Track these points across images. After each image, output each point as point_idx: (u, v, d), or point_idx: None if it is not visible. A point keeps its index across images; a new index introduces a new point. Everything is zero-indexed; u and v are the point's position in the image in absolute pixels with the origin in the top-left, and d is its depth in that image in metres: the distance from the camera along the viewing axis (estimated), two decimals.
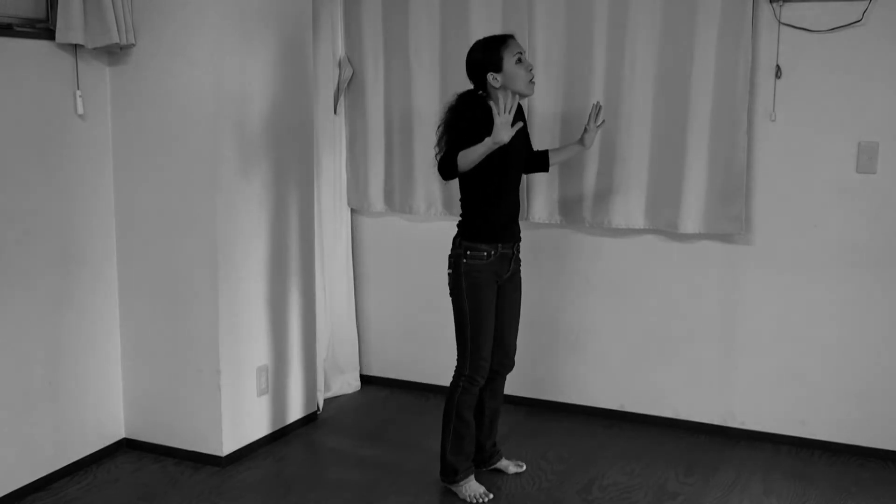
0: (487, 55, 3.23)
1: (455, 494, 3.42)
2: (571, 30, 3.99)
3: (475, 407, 3.48)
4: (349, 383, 4.61)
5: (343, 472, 3.66)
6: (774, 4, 3.69)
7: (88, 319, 3.65)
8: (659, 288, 4.08)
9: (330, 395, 4.50)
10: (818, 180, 3.75)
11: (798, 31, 3.68)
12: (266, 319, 3.88)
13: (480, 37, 4.06)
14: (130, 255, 3.74)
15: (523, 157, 3.43)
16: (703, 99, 3.79)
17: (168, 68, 3.54)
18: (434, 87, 4.27)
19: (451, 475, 3.42)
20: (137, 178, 3.68)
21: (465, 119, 3.21)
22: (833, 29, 3.63)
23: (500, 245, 3.32)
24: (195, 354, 3.67)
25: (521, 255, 3.47)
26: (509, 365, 3.55)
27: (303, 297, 4.10)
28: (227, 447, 3.71)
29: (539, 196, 4.16)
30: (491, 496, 3.40)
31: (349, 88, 4.47)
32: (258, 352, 3.85)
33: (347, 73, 4.42)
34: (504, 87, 3.21)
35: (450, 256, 3.35)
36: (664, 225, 3.96)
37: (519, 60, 3.21)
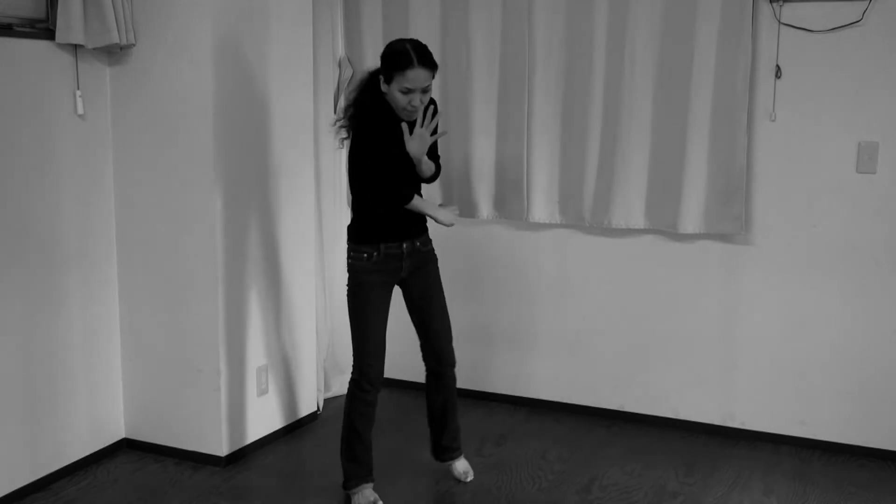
0: (386, 64, 3.08)
1: (455, 493, 3.42)
2: (571, 30, 3.99)
3: (427, 404, 3.52)
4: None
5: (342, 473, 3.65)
6: (774, 4, 3.69)
7: (88, 319, 3.65)
8: (659, 288, 4.08)
9: (330, 395, 4.51)
10: (818, 180, 3.75)
11: (798, 31, 3.68)
12: (266, 319, 3.88)
13: (480, 37, 4.13)
14: (130, 255, 3.74)
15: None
16: (703, 99, 3.79)
17: (168, 68, 3.54)
18: (433, 86, 4.26)
19: (345, 482, 3.37)
20: (137, 178, 3.68)
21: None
22: (833, 29, 3.63)
23: (382, 245, 3.22)
24: (195, 354, 3.67)
25: (431, 250, 3.36)
26: (446, 362, 3.43)
27: (303, 297, 4.10)
28: (227, 447, 3.71)
29: (539, 196, 4.16)
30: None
31: (349, 88, 4.47)
32: (258, 352, 3.85)
33: (347, 73, 4.42)
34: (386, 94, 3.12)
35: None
36: (664, 225, 3.96)
37: (404, 93, 3.05)
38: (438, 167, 3.35)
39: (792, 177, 3.79)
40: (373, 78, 3.20)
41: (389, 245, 3.22)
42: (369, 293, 3.24)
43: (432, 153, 3.28)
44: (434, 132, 3.20)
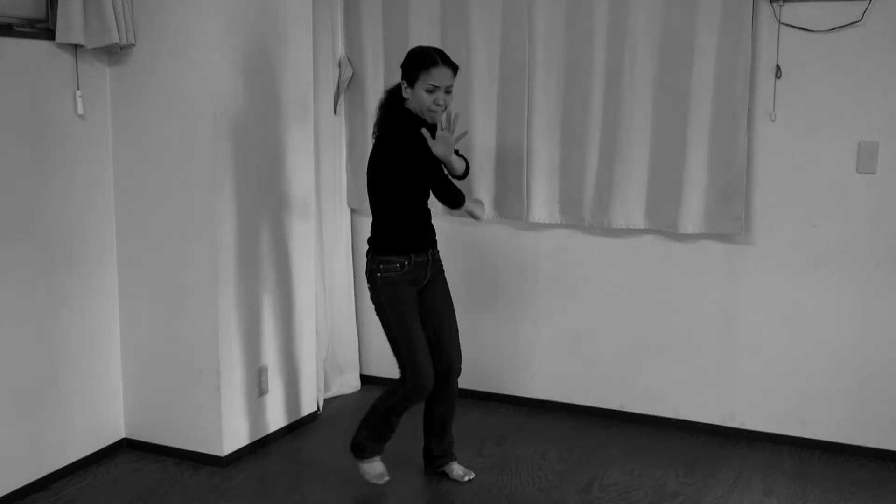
0: (410, 66, 3.21)
1: (455, 493, 3.42)
2: (571, 30, 3.99)
3: (425, 412, 3.53)
4: (349, 383, 4.61)
5: (343, 473, 3.65)
6: (774, 4, 3.69)
7: (88, 319, 3.65)
8: (659, 288, 4.08)
9: (330, 395, 4.51)
10: (818, 180, 3.75)
11: (798, 31, 3.68)
12: (266, 319, 3.88)
13: (480, 37, 4.13)
14: (130, 255, 3.74)
15: (439, 164, 3.32)
16: (703, 99, 3.79)
17: (168, 68, 3.54)
18: None
19: (358, 451, 3.45)
20: (137, 178, 3.68)
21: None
22: (833, 29, 3.63)
23: (412, 255, 3.29)
24: (195, 354, 3.67)
25: (440, 259, 3.45)
26: (455, 370, 3.49)
27: (303, 297, 4.10)
28: (227, 447, 3.71)
29: (539, 196, 4.16)
30: (387, 479, 3.43)
31: (349, 88, 4.47)
32: (258, 352, 3.85)
33: (347, 73, 4.42)
34: (409, 101, 3.24)
35: (365, 272, 3.37)
36: (664, 225, 3.96)
37: (430, 91, 3.16)
38: (467, 163, 3.44)
39: (792, 177, 3.79)
40: (391, 95, 3.31)
41: (419, 254, 3.30)
42: (407, 302, 3.30)
43: (456, 152, 3.35)
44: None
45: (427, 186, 3.29)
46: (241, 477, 3.62)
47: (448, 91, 3.20)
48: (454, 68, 3.23)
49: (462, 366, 3.51)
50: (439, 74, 3.17)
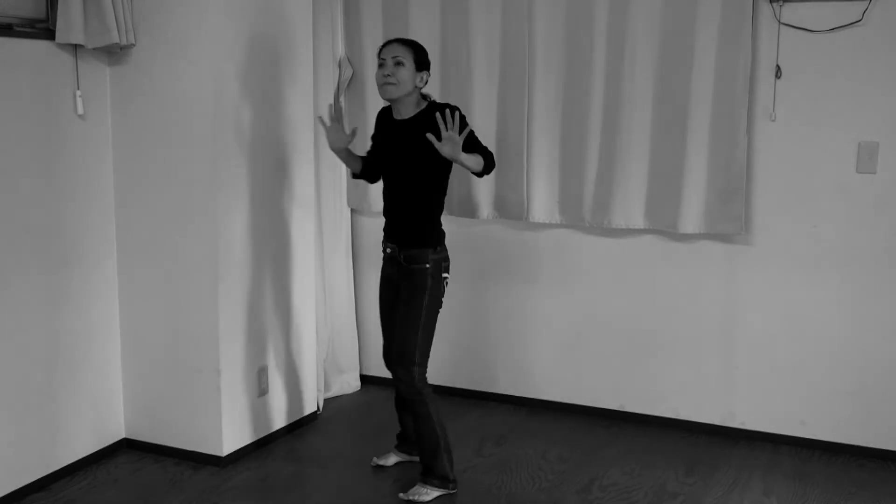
0: None
1: (455, 493, 3.43)
2: (571, 30, 3.99)
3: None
4: (349, 383, 4.61)
5: (343, 473, 3.66)
6: (774, 4, 3.69)
7: (88, 319, 3.65)
8: (659, 288, 4.08)
9: (330, 395, 4.51)
10: (818, 180, 3.75)
11: (798, 31, 3.68)
12: (266, 319, 3.88)
13: (480, 37, 4.15)
14: (130, 255, 3.74)
15: (413, 162, 3.31)
16: (703, 99, 3.79)
17: (168, 68, 3.54)
18: (433, 86, 4.27)
19: None
20: (137, 178, 3.68)
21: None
22: (833, 29, 3.63)
23: (387, 244, 3.48)
24: (195, 354, 3.67)
25: (422, 271, 3.33)
26: (393, 373, 3.46)
27: (303, 297, 4.10)
28: (227, 447, 3.71)
29: (539, 196, 4.16)
30: (375, 462, 3.68)
31: (349, 88, 4.47)
32: (258, 352, 3.85)
33: (347, 73, 4.42)
34: None
35: None
36: (664, 225, 3.96)
37: (380, 65, 3.30)
38: (490, 160, 3.33)
39: (792, 177, 3.79)
40: None
41: (387, 246, 3.48)
42: (380, 285, 3.55)
43: (476, 149, 3.29)
44: (460, 132, 3.20)
45: (395, 177, 3.40)
46: (241, 477, 3.62)
47: (398, 63, 3.25)
48: (406, 44, 3.31)
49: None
50: (386, 50, 3.30)
